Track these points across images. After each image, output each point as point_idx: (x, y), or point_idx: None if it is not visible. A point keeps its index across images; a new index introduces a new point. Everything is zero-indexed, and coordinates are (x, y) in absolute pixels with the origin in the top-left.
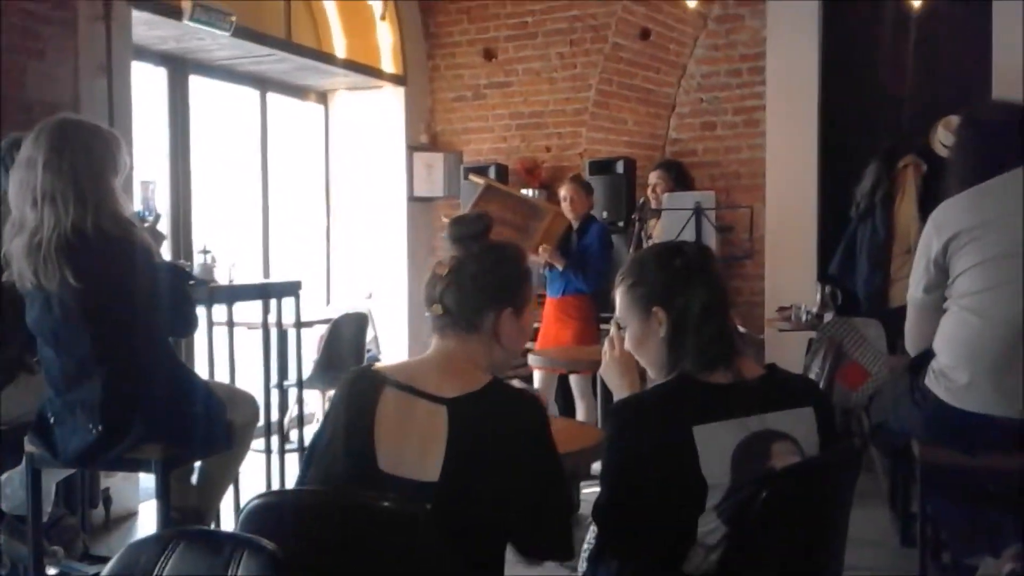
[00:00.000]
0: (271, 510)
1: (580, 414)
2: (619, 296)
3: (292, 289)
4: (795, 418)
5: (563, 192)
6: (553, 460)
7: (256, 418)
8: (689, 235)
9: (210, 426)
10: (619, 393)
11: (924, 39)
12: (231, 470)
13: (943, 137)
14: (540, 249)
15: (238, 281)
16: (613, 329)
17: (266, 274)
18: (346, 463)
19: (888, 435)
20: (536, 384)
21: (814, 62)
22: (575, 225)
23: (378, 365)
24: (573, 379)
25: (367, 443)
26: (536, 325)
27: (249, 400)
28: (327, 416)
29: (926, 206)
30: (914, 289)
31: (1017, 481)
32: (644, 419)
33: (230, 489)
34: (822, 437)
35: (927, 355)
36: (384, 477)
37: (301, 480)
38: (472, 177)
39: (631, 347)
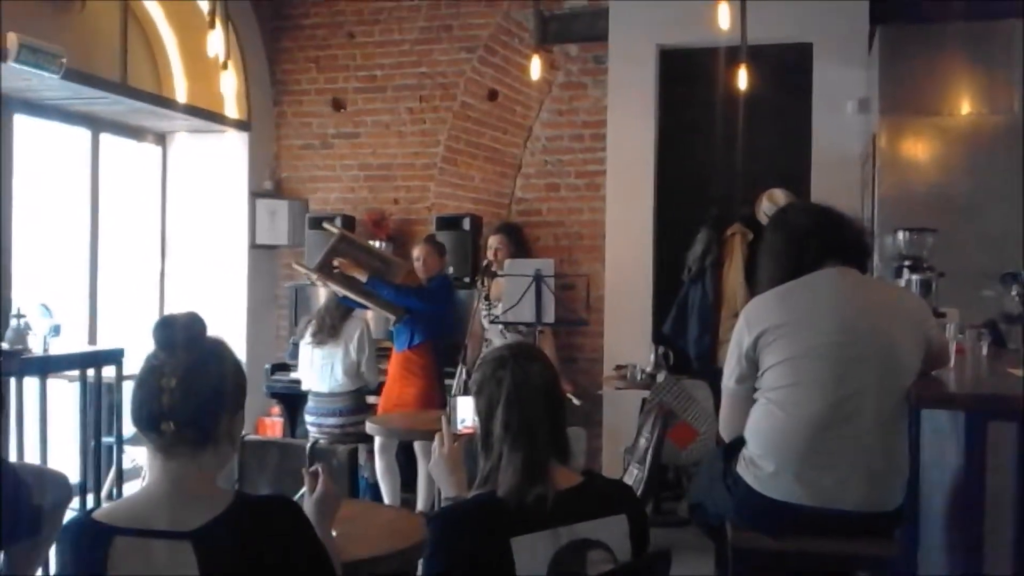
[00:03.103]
0: None
1: (421, 475)
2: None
3: (114, 357)
4: (608, 526)
5: (416, 252)
6: (318, 553)
7: (68, 499)
8: (530, 300)
9: (14, 512)
10: (447, 490)
11: (751, 117)
12: (39, 556)
13: (767, 208)
14: None
15: (58, 345)
16: (444, 426)
17: (93, 326)
18: None
19: (705, 515)
20: (377, 445)
21: (651, 133)
22: (425, 285)
23: (99, 513)
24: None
25: None
26: (382, 380)
27: (60, 481)
28: None
29: (751, 272)
30: (727, 379)
31: (816, 563)
32: (463, 530)
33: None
34: (634, 543)
35: (739, 442)
36: None
37: None
38: (326, 225)
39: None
